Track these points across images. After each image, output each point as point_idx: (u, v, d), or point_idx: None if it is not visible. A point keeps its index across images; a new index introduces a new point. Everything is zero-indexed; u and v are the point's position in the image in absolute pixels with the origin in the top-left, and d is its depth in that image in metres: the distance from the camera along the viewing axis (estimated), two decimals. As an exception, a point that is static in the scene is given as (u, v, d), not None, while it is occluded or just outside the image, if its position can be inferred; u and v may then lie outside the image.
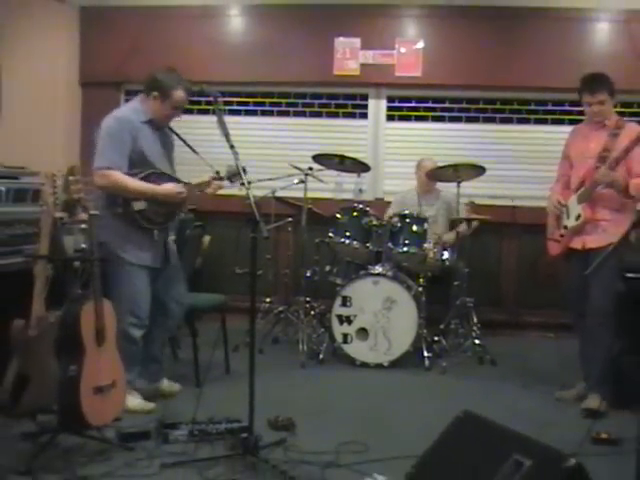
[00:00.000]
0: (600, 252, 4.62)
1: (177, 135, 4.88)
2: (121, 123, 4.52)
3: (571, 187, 5.14)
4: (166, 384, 4.97)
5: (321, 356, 6.03)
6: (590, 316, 4.94)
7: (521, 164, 7.85)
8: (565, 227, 5.10)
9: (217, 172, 4.59)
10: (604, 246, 4.70)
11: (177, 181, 4.66)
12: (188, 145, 4.87)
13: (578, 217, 4.98)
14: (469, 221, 6.67)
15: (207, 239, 7.34)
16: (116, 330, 4.15)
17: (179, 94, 4.61)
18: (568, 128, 5.78)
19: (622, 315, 4.93)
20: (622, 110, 7.47)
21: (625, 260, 4.99)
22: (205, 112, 7.92)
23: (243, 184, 3.91)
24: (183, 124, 6.66)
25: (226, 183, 4.57)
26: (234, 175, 4.29)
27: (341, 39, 7.85)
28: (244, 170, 4.03)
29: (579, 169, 5.09)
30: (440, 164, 6.74)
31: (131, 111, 4.63)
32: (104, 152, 4.47)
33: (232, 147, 3.96)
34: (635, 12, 7.54)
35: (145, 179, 4.50)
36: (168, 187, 4.56)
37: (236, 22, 8.02)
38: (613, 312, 4.90)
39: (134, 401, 4.58)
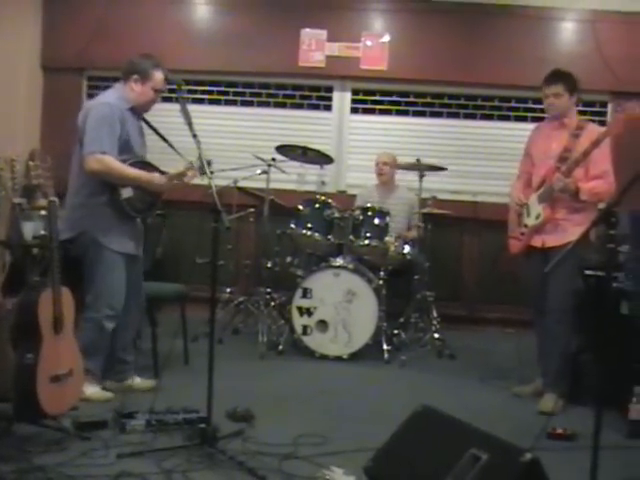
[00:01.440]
0: (559, 251, 4.67)
1: (149, 125, 4.83)
2: (112, 109, 4.48)
3: (532, 185, 5.17)
4: (137, 381, 4.85)
5: (281, 347, 6.02)
6: (549, 313, 4.99)
7: (484, 160, 7.90)
8: (525, 225, 5.13)
9: (191, 162, 4.57)
10: (563, 245, 4.74)
11: (158, 170, 4.62)
12: (160, 135, 4.83)
13: (538, 216, 5.02)
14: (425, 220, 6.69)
15: (170, 230, 7.30)
16: (88, 320, 4.11)
17: (159, 75, 4.61)
18: (531, 125, 5.82)
19: (581, 313, 4.98)
20: (584, 109, 7.55)
21: (584, 258, 5.04)
22: (168, 99, 7.84)
23: (204, 173, 3.88)
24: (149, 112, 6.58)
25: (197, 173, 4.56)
26: (203, 167, 4.29)
27: (307, 30, 7.84)
28: (209, 163, 4.01)
29: (540, 168, 5.13)
30: (403, 158, 6.75)
31: (115, 98, 4.58)
32: (99, 137, 4.39)
33: (195, 136, 3.92)
34: (601, 13, 7.63)
35: (132, 167, 4.48)
36: (158, 176, 4.54)
37: (203, 10, 7.98)
38: (571, 310, 4.95)
39: (92, 390, 4.53)
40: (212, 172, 3.96)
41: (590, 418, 2.88)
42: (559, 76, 5.05)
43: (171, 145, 4.79)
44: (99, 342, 4.52)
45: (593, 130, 4.98)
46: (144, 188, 4.53)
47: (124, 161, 4.45)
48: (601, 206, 4.89)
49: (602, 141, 4.77)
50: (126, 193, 4.45)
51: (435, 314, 6.55)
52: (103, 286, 4.51)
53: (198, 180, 4.50)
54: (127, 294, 4.63)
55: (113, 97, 4.60)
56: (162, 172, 4.63)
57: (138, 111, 4.67)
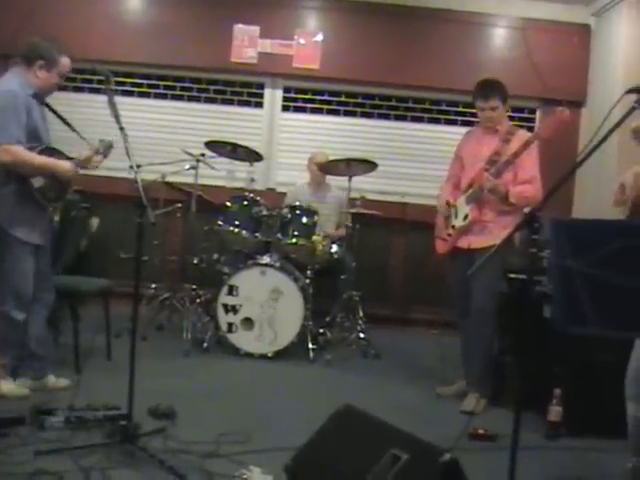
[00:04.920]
0: (484, 252, 4.72)
1: (50, 109, 4.68)
2: (16, 96, 4.32)
3: (461, 188, 5.23)
4: (52, 380, 4.71)
5: (205, 345, 5.96)
6: (472, 315, 5.05)
7: (413, 162, 7.97)
8: (453, 227, 5.19)
9: (96, 149, 4.48)
10: (488, 247, 4.79)
11: (66, 157, 4.51)
12: (63, 119, 4.70)
13: (465, 217, 5.08)
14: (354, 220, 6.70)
15: (95, 222, 7.17)
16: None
17: (65, 61, 4.47)
18: (461, 129, 5.90)
19: (504, 315, 5.05)
20: (513, 115, 7.67)
21: (508, 261, 5.11)
22: (96, 91, 7.73)
23: (132, 167, 3.80)
24: (74, 102, 6.47)
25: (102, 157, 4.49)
26: (107, 148, 4.23)
27: (240, 26, 7.79)
28: (110, 145, 3.95)
29: (469, 171, 5.19)
30: (333, 158, 6.76)
31: (17, 84, 4.41)
32: (5, 127, 4.25)
33: (122, 129, 3.85)
34: (532, 20, 7.77)
35: (40, 154, 4.36)
36: (67, 164, 4.42)
37: (135, 1, 7.85)
38: (494, 312, 5.02)
39: (7, 385, 4.42)
40: (139, 166, 3.90)
41: (511, 419, 2.91)
42: (494, 89, 5.10)
43: (75, 130, 4.68)
44: (9, 335, 4.40)
45: (523, 135, 5.06)
46: (54, 176, 4.42)
47: (32, 149, 4.33)
48: (526, 211, 4.97)
49: (532, 143, 4.85)
50: (37, 182, 4.33)
51: (361, 314, 6.57)
52: (9, 276, 4.38)
53: (125, 174, 4.43)
54: (36, 285, 4.51)
55: (16, 84, 4.40)
56: (69, 158, 4.52)
57: (41, 96, 4.53)
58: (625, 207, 3.33)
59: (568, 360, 4.65)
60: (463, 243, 5.12)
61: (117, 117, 3.87)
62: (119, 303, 5.55)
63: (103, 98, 4.01)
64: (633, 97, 2.88)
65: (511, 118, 7.22)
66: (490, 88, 5.11)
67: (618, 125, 2.77)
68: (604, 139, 2.75)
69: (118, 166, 4.80)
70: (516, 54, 7.78)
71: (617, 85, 6.73)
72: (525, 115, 7.96)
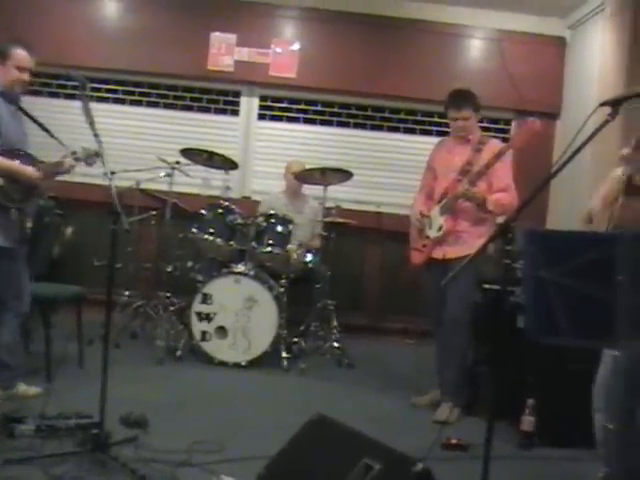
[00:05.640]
0: (459, 262, 4.73)
1: (25, 113, 4.64)
2: None
3: (434, 198, 5.25)
4: (23, 388, 4.64)
5: (179, 353, 5.93)
6: (447, 324, 5.06)
7: (389, 171, 7.99)
8: (427, 237, 5.20)
9: (73, 152, 4.43)
10: (463, 257, 4.81)
11: (32, 158, 4.44)
12: (39, 124, 4.65)
13: (440, 228, 5.10)
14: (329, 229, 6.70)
15: (69, 230, 7.13)
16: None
17: (19, 52, 4.39)
18: (436, 139, 5.92)
19: (478, 325, 5.07)
20: (488, 126, 7.72)
21: (483, 272, 5.13)
22: (72, 97, 7.68)
23: (106, 174, 3.78)
24: (49, 108, 6.41)
25: (82, 165, 4.42)
26: (90, 157, 4.18)
27: (217, 34, 7.79)
28: (97, 154, 3.91)
29: (442, 181, 5.21)
30: (308, 166, 6.76)
31: None
32: None
33: (96, 135, 3.83)
34: (507, 32, 7.83)
35: (3, 156, 4.29)
36: (29, 169, 4.35)
37: (111, 7, 7.82)
38: (469, 321, 5.04)
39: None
40: (113, 172, 3.88)
41: (485, 429, 2.91)
42: (466, 99, 5.13)
43: (52, 134, 4.64)
44: None
45: (495, 145, 5.10)
46: (16, 179, 4.34)
47: None
48: (500, 221, 4.99)
49: (505, 154, 4.88)
50: None
51: (335, 323, 6.56)
52: None
53: (100, 180, 4.40)
54: (4, 291, 4.45)
55: None
56: (41, 162, 4.45)
57: (10, 95, 4.47)
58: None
59: (541, 370, 4.67)
60: (438, 253, 5.14)
61: (92, 124, 3.84)
62: (92, 310, 5.52)
63: (79, 104, 3.98)
64: (607, 110, 2.90)
65: (486, 129, 7.32)
66: (462, 98, 5.14)
67: (592, 137, 2.79)
68: (577, 151, 2.76)
69: (93, 172, 4.76)
70: (492, 65, 7.84)
71: (591, 97, 6.78)
72: (500, 126, 8.01)
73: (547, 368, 4.64)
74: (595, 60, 6.99)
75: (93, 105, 3.97)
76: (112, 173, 3.85)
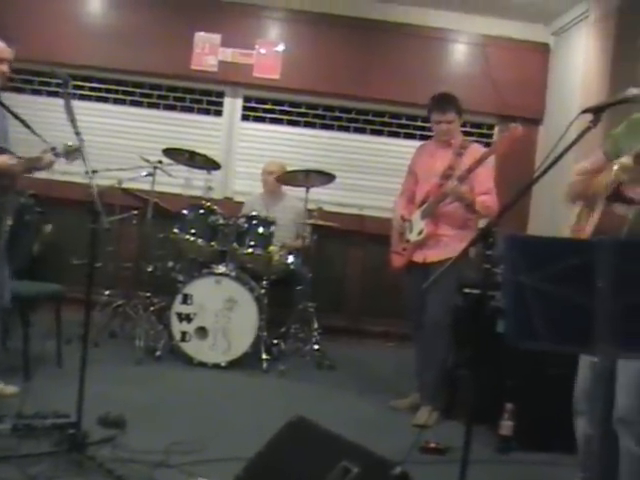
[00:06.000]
0: (440, 266, 4.74)
1: (6, 108, 4.59)
2: None
3: (415, 202, 5.26)
4: (0, 386, 4.60)
5: (158, 353, 5.91)
6: (427, 328, 5.07)
7: (372, 174, 8.00)
8: (408, 241, 5.21)
9: (53, 148, 4.39)
10: (444, 260, 4.83)
11: (10, 154, 4.39)
12: (20, 119, 4.60)
13: (420, 232, 5.11)
14: (311, 231, 6.70)
15: (49, 228, 7.09)
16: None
17: None
18: (419, 143, 5.92)
19: (458, 329, 5.07)
20: (472, 130, 7.75)
21: (463, 276, 5.14)
22: (55, 94, 7.64)
23: (87, 172, 3.75)
24: (32, 105, 6.38)
25: (63, 161, 4.38)
26: (70, 153, 4.15)
27: (201, 34, 7.77)
28: (77, 150, 3.88)
29: (424, 185, 5.23)
30: (291, 168, 6.75)
31: None
32: None
33: (78, 134, 3.80)
34: (492, 37, 7.86)
35: None
36: (3, 158, 4.30)
37: (96, 4, 7.79)
38: (449, 325, 5.05)
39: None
40: (95, 171, 3.85)
41: (463, 432, 2.91)
42: (450, 102, 5.15)
43: (34, 131, 4.59)
44: None
45: (477, 149, 5.11)
46: None
47: None
48: (481, 225, 5.00)
49: (486, 159, 4.89)
50: None
51: (316, 325, 6.56)
52: None
53: (80, 179, 4.37)
54: None
55: None
56: (20, 157, 4.41)
57: None
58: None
59: (521, 375, 4.68)
60: (419, 257, 5.15)
61: (73, 121, 3.81)
62: (71, 309, 5.46)
63: (61, 102, 3.95)
64: (589, 117, 2.91)
65: (469, 134, 7.34)
66: (447, 101, 5.15)
67: (573, 144, 2.79)
68: (559, 157, 2.77)
69: (74, 170, 4.73)
70: (476, 70, 7.86)
71: (574, 104, 6.81)
72: (483, 131, 8.03)
73: (526, 373, 4.66)
74: (578, 67, 7.03)
75: (76, 103, 3.95)
76: (93, 172, 3.81)
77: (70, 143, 4.20)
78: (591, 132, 2.86)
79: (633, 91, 2.96)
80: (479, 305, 3.95)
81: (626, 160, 2.90)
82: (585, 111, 2.93)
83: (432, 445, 4.42)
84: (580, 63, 7.00)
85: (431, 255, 5.06)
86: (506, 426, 4.55)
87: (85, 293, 3.74)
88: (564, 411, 3.47)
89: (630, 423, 3.03)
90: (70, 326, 5.51)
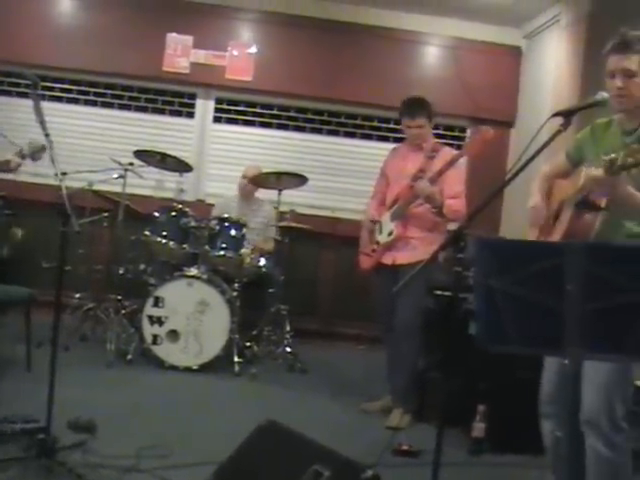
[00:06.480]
0: (409, 269, 4.77)
1: None
2: None
3: (386, 204, 5.27)
4: None
5: (129, 356, 5.86)
6: (397, 331, 5.07)
7: (345, 177, 8.00)
8: (377, 242, 5.22)
9: (19, 150, 4.35)
10: (413, 263, 4.85)
11: None
12: None
13: (390, 233, 5.12)
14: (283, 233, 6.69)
15: (19, 232, 7.03)
16: None
17: None
18: (392, 145, 5.94)
19: (429, 331, 5.08)
20: (444, 133, 7.77)
21: (434, 278, 5.15)
22: (25, 95, 7.57)
23: (57, 174, 3.71)
24: (1, 106, 6.31)
25: (30, 163, 4.35)
26: (36, 152, 4.11)
27: (173, 35, 7.74)
28: (43, 148, 3.84)
29: (394, 187, 5.24)
30: (264, 170, 6.74)
31: None
32: None
33: (47, 135, 3.77)
34: (462, 40, 7.89)
35: None
36: None
37: (66, 4, 7.72)
38: (419, 327, 5.05)
39: None
40: (64, 173, 3.82)
41: (435, 435, 2.92)
42: (420, 107, 5.16)
43: (2, 133, 4.56)
44: None
45: (448, 153, 5.13)
46: None
47: None
48: (451, 228, 5.02)
49: (457, 161, 4.92)
50: None
51: (288, 328, 6.54)
52: None
53: (51, 180, 4.33)
54: None
55: None
56: None
57: None
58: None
59: (492, 377, 4.69)
60: (388, 259, 5.16)
61: (42, 123, 3.78)
62: (42, 312, 5.41)
63: (31, 103, 3.92)
64: (560, 120, 2.93)
65: (442, 136, 7.37)
66: (416, 106, 5.17)
67: (544, 147, 2.81)
68: (530, 160, 2.78)
69: (43, 172, 4.69)
70: (448, 73, 7.89)
71: (546, 107, 6.85)
72: (455, 134, 8.06)
73: (499, 374, 4.67)
74: (550, 70, 7.07)
75: (46, 105, 3.93)
76: (63, 174, 3.78)
77: (31, 141, 4.16)
78: (562, 135, 2.88)
79: (603, 95, 2.99)
80: (450, 307, 3.96)
81: (596, 172, 2.92)
82: (556, 115, 2.96)
83: (404, 448, 4.43)
84: (552, 66, 7.05)
85: (400, 257, 5.07)
86: (478, 428, 4.56)
87: (55, 296, 3.71)
88: (536, 413, 3.48)
89: (597, 424, 3.05)
90: (40, 329, 5.46)
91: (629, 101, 3.05)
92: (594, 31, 6.14)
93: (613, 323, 2.29)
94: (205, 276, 6.01)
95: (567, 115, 2.92)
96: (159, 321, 5.90)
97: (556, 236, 3.23)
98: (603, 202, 3.00)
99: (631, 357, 2.47)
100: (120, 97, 7.94)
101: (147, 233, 6.09)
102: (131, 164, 6.44)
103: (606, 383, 3.03)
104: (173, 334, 5.91)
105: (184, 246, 6.14)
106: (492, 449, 4.57)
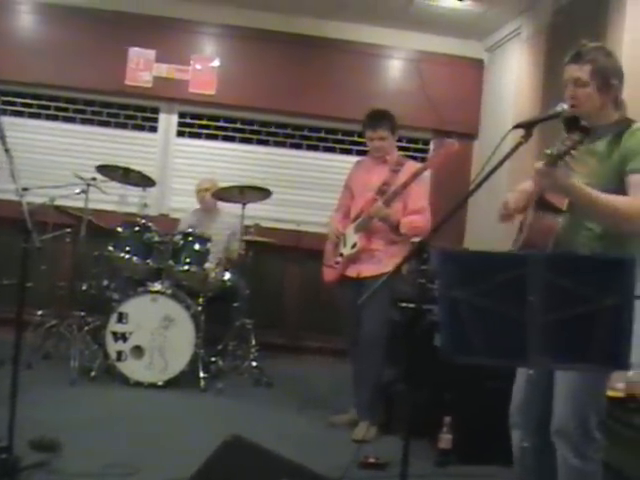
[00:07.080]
0: (374, 281, 4.78)
1: None
2: None
3: (350, 217, 5.28)
4: None
5: (93, 373, 5.80)
6: (363, 343, 5.07)
7: (308, 190, 8.01)
8: (341, 255, 5.21)
9: None
10: (378, 275, 4.86)
11: None
12: None
13: (354, 246, 5.12)
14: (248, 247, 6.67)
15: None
16: None
17: None
18: (356, 158, 5.97)
19: (395, 343, 5.08)
20: (408, 145, 7.81)
21: (398, 290, 5.16)
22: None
23: (17, 190, 3.67)
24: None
25: None
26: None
27: (136, 49, 7.71)
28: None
29: (359, 200, 5.26)
30: (227, 184, 6.71)
31: None
32: None
33: (7, 151, 3.72)
34: (425, 53, 7.95)
35: None
36: None
37: (26, 19, 7.67)
38: (384, 340, 5.06)
39: None
40: (25, 188, 3.78)
41: (402, 447, 2.91)
42: (382, 119, 5.18)
43: None
44: None
45: (413, 166, 5.15)
46: None
47: None
48: (416, 240, 5.03)
49: (421, 173, 4.94)
50: None
51: (254, 342, 6.52)
52: None
53: (12, 196, 4.27)
54: None
55: None
56: None
57: None
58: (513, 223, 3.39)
59: (458, 388, 4.70)
60: (352, 272, 5.16)
61: (3, 138, 3.74)
62: (3, 330, 5.36)
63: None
64: (521, 132, 2.95)
65: (405, 149, 7.40)
66: (379, 118, 5.19)
67: (506, 158, 2.83)
68: (493, 171, 2.80)
69: (4, 188, 4.63)
70: (411, 86, 7.93)
71: (508, 119, 6.91)
72: (419, 146, 8.10)
73: (465, 385, 4.67)
74: (512, 82, 7.14)
75: (7, 119, 3.88)
76: (24, 189, 3.75)
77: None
78: (523, 147, 2.90)
79: (563, 106, 3.02)
80: (415, 319, 3.96)
81: (538, 164, 2.95)
82: (517, 126, 2.98)
83: (371, 460, 4.42)
84: (513, 78, 7.12)
85: (365, 270, 5.08)
86: (445, 439, 4.56)
87: (17, 313, 3.66)
88: (503, 424, 3.49)
89: (567, 434, 3.05)
90: (2, 347, 5.36)
91: (580, 110, 3.08)
92: (554, 43, 6.21)
93: (576, 333, 2.30)
94: (169, 291, 5.97)
95: (528, 127, 2.94)
96: (123, 337, 5.85)
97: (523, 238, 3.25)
98: (564, 204, 3.03)
99: (596, 366, 2.48)
100: (82, 112, 7.89)
101: (110, 248, 6.04)
102: (94, 179, 6.38)
103: (576, 393, 3.04)
104: (138, 350, 5.86)
105: (148, 261, 6.10)
106: (459, 460, 4.57)
